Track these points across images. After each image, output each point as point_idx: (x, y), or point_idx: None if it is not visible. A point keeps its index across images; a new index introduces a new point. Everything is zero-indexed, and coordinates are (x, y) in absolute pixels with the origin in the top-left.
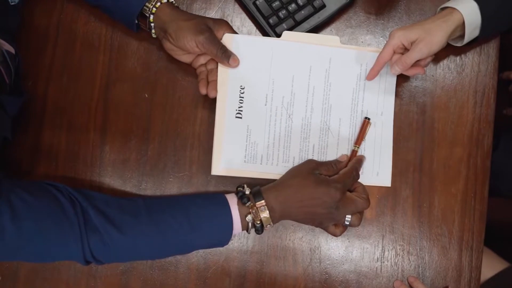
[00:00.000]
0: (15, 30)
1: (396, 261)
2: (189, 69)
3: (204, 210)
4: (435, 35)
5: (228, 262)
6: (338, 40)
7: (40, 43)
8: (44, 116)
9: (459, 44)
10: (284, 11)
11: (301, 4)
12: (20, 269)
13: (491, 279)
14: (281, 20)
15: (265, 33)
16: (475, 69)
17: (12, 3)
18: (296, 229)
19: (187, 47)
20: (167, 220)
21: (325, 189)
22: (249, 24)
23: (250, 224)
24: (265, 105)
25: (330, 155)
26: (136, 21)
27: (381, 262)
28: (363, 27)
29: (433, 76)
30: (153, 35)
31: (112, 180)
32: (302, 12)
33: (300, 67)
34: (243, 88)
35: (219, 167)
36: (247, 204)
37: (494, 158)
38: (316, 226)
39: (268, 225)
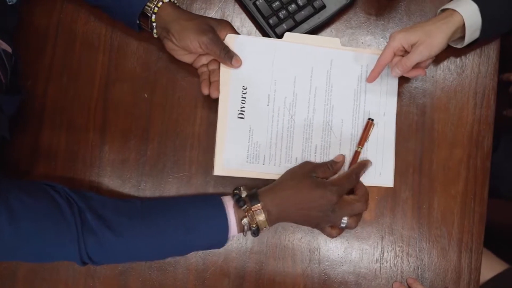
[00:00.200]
0: (13, 29)
1: (395, 262)
2: (189, 69)
3: (200, 212)
4: (435, 37)
5: (227, 262)
6: (338, 42)
7: (39, 42)
8: (44, 115)
9: (459, 46)
10: (284, 12)
11: (301, 4)
12: (19, 269)
13: (490, 280)
14: (281, 21)
15: (265, 34)
16: (475, 70)
17: (10, 3)
18: (295, 230)
19: (190, 47)
20: (163, 222)
21: (321, 192)
22: (249, 25)
23: (246, 227)
24: (267, 105)
25: (333, 156)
26: (138, 21)
27: (380, 264)
28: (363, 28)
29: (433, 77)
30: (155, 35)
31: (111, 180)
32: (302, 12)
33: (301, 68)
34: (245, 89)
35: (221, 168)
36: (243, 207)
37: (494, 159)
38: (313, 227)
39: (265, 228)
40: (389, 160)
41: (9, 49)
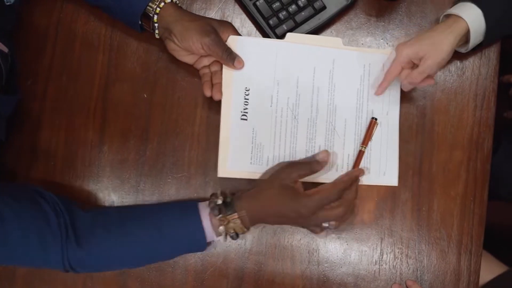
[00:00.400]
0: (11, 29)
1: (395, 264)
2: (189, 70)
3: (174, 221)
4: (442, 49)
5: (226, 263)
6: (340, 42)
7: (39, 42)
8: (43, 115)
9: (463, 51)
10: (284, 12)
11: (301, 5)
12: (18, 269)
13: (490, 282)
14: (281, 21)
15: (265, 34)
16: (476, 72)
17: (8, 3)
18: (294, 231)
19: (192, 48)
20: (138, 231)
21: (294, 207)
22: (249, 25)
23: (223, 234)
24: (270, 106)
25: (336, 156)
26: (140, 22)
27: (380, 265)
28: (363, 29)
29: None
30: (156, 36)
31: (110, 180)
32: (303, 13)
33: (304, 69)
34: (248, 90)
35: (225, 170)
36: (218, 216)
37: (494, 161)
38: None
39: (242, 233)
40: (393, 159)
41: (5, 50)
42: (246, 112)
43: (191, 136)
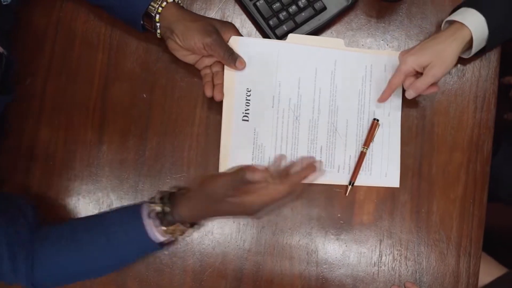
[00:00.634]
0: (9, 29)
1: (394, 266)
2: (188, 70)
3: (118, 227)
4: (447, 57)
5: (224, 264)
6: (342, 43)
7: (39, 41)
8: (42, 114)
9: (465, 56)
10: (284, 13)
11: (301, 6)
12: None
13: (489, 284)
14: (281, 22)
15: (265, 35)
16: (476, 74)
17: (5, 3)
18: (293, 232)
19: (194, 48)
20: (87, 241)
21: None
22: (249, 25)
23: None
24: (272, 107)
25: (338, 157)
26: (141, 21)
27: (378, 267)
28: (364, 30)
29: None
30: (158, 35)
31: (109, 180)
32: (303, 14)
33: (306, 69)
34: (249, 91)
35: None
36: (160, 227)
37: (493, 163)
38: None
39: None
40: (394, 160)
41: (0, 50)
42: (248, 113)
43: (190, 137)
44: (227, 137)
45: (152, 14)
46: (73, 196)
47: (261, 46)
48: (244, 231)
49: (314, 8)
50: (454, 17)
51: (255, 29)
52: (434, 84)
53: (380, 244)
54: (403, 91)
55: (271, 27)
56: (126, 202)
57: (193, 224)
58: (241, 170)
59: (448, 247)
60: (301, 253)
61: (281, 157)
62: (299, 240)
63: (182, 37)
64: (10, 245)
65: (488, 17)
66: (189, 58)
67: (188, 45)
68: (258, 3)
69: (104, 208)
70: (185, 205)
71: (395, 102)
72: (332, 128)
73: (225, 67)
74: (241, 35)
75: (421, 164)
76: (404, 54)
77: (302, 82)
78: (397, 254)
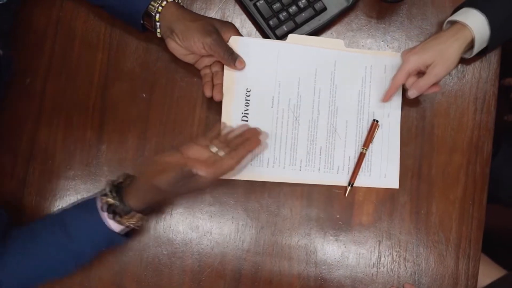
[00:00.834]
0: (6, 29)
1: (392, 267)
2: (188, 70)
3: (76, 221)
4: (449, 57)
5: (223, 264)
6: (342, 43)
7: (38, 40)
8: (41, 113)
9: (467, 56)
10: (284, 13)
11: (302, 6)
12: None
13: (488, 286)
14: (281, 22)
15: (265, 35)
16: (476, 75)
17: (1, 2)
18: (292, 233)
19: (193, 48)
20: (48, 238)
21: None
22: (249, 26)
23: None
24: (272, 107)
25: (337, 157)
26: (142, 21)
27: (377, 268)
28: (364, 31)
29: None
30: (158, 35)
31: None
32: (303, 14)
33: (305, 70)
34: (249, 91)
35: None
36: (114, 219)
37: (493, 165)
38: None
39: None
40: (394, 161)
41: None
42: (247, 113)
43: (189, 137)
44: None
45: (152, 13)
46: (72, 196)
47: (261, 46)
48: (243, 232)
49: (314, 9)
50: (456, 17)
51: (255, 29)
52: (435, 83)
53: (379, 245)
54: (403, 92)
55: (271, 27)
56: None
57: (149, 209)
58: (186, 166)
59: (447, 249)
60: (300, 254)
61: (222, 125)
62: (298, 241)
63: (182, 37)
64: None
65: (489, 17)
66: (189, 58)
67: (187, 45)
68: (258, 3)
69: None
70: (134, 196)
71: (395, 103)
72: (331, 128)
73: (225, 67)
74: (241, 35)
75: (420, 165)
76: (407, 53)
77: (302, 83)
78: (396, 255)
